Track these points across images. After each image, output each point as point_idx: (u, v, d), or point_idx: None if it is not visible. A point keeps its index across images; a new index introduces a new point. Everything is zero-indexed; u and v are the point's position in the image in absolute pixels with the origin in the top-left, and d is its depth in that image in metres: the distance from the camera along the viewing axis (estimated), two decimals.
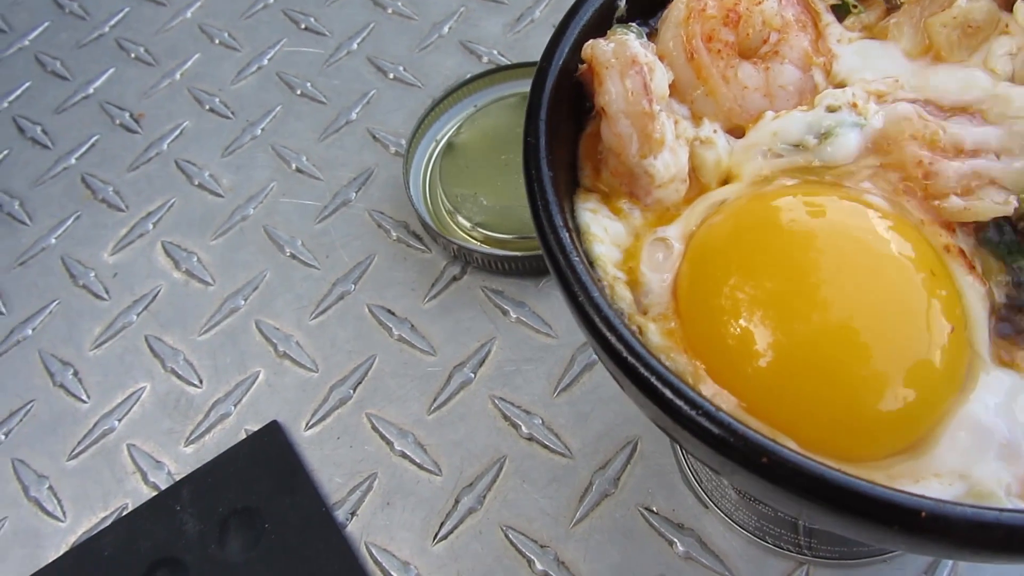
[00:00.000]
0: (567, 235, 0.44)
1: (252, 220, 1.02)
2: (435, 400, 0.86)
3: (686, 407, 0.39)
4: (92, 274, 1.01)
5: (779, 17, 0.55)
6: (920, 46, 0.57)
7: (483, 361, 0.87)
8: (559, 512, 0.79)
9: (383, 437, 0.85)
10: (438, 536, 0.79)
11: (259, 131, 1.10)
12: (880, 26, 0.58)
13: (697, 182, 0.52)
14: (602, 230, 0.49)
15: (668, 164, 0.49)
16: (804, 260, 0.45)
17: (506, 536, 0.78)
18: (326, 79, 1.14)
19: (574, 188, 0.52)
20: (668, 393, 0.39)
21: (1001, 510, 0.35)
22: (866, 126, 0.50)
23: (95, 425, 0.90)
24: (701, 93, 0.52)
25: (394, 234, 0.98)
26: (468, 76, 1.05)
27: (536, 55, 1.10)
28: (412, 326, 0.91)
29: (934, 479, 0.43)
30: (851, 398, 0.42)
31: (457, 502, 0.80)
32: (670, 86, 0.52)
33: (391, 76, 1.12)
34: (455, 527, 0.79)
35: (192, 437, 0.87)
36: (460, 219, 0.94)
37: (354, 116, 1.09)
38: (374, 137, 1.07)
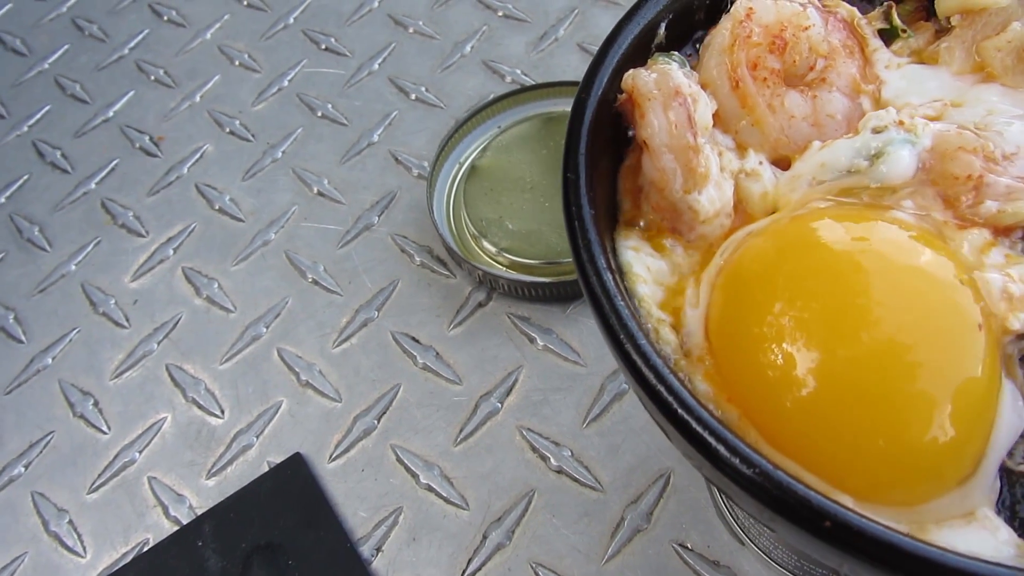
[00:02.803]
0: (611, 277, 0.42)
1: (273, 245, 1.00)
2: (461, 431, 0.84)
3: (742, 465, 0.37)
4: (112, 301, 0.99)
5: (826, 43, 0.52)
6: (972, 69, 0.54)
7: (510, 390, 0.85)
8: (590, 548, 0.76)
9: (408, 469, 0.82)
10: (466, 573, 0.76)
11: (280, 154, 1.08)
12: (930, 51, 0.56)
13: (743, 215, 0.50)
14: (645, 269, 0.47)
15: (713, 199, 0.46)
16: (841, 284, 0.42)
17: (536, 573, 0.75)
18: (347, 100, 1.12)
19: (614, 224, 0.50)
20: (722, 450, 0.37)
21: None
22: (917, 142, 0.47)
23: (116, 457, 0.88)
24: (746, 123, 0.50)
25: (418, 259, 0.96)
26: (491, 97, 1.03)
27: (560, 74, 1.09)
28: (437, 354, 0.89)
29: (975, 526, 0.40)
30: (903, 429, 0.40)
31: (485, 538, 0.78)
32: (714, 116, 0.50)
33: (413, 97, 1.11)
34: (483, 564, 0.77)
35: (214, 469, 0.86)
36: (485, 244, 0.92)
37: (376, 138, 1.08)
38: (396, 159, 1.05)
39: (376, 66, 1.15)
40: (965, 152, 0.47)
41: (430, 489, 0.81)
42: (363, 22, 1.21)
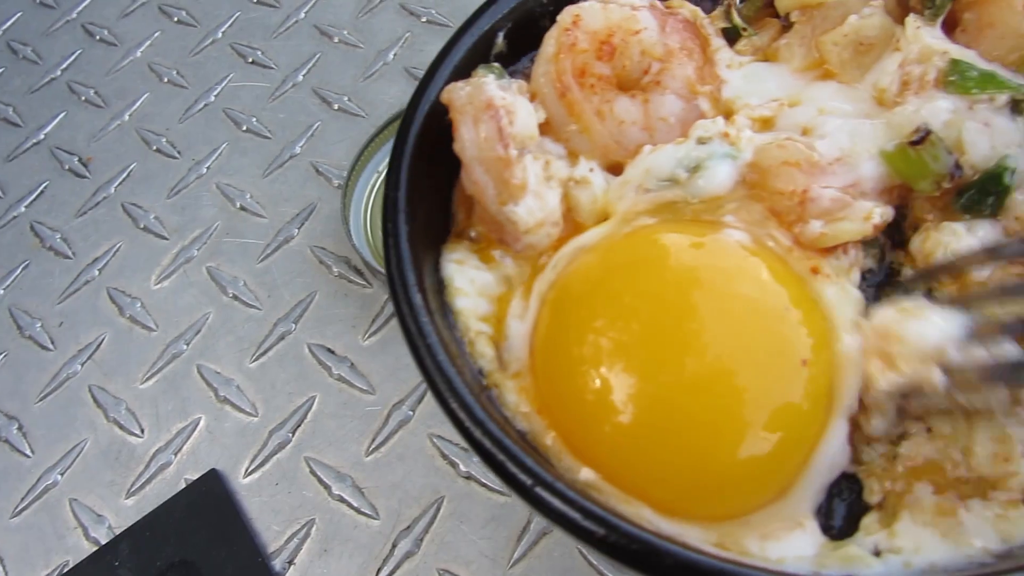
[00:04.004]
0: (418, 295, 0.42)
1: (196, 262, 1.01)
2: (373, 440, 0.84)
3: (524, 478, 0.37)
4: (39, 324, 1.00)
5: (661, 45, 0.52)
6: (810, 65, 0.54)
7: (421, 398, 0.86)
8: (497, 553, 0.76)
9: (321, 481, 0.83)
10: None
11: (204, 170, 1.09)
12: (772, 47, 0.56)
13: (572, 224, 0.50)
14: (467, 282, 0.47)
15: (532, 210, 0.47)
16: (664, 309, 0.43)
17: None
18: (271, 113, 1.13)
19: (446, 236, 0.50)
20: (509, 464, 0.37)
21: None
22: (738, 157, 0.47)
23: (38, 480, 0.89)
24: (575, 131, 0.50)
25: (335, 270, 0.96)
26: None
27: None
28: (352, 364, 0.89)
29: (798, 529, 0.40)
30: (710, 454, 0.40)
31: (394, 546, 0.78)
32: (543, 125, 0.50)
33: (336, 107, 1.11)
34: (392, 573, 0.77)
35: (133, 489, 0.86)
36: None
37: (298, 150, 1.08)
38: (317, 171, 1.05)
39: (300, 77, 1.15)
40: (789, 166, 0.46)
41: (342, 500, 0.81)
42: (290, 34, 1.21)
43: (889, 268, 0.50)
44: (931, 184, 0.47)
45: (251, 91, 1.16)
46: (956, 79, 0.48)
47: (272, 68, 1.18)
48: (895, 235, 0.50)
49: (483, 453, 0.37)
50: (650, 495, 0.40)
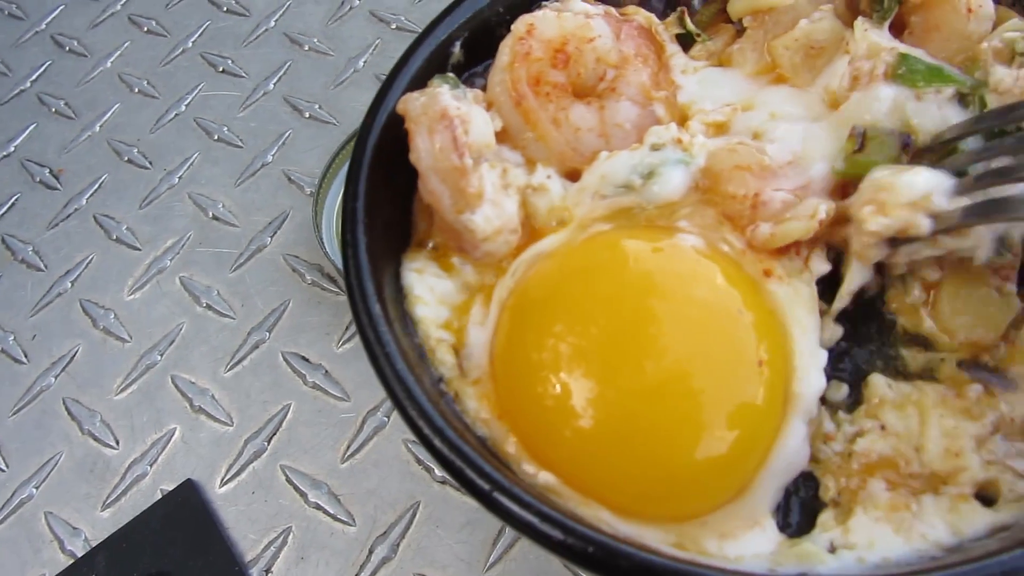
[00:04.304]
0: (376, 304, 0.42)
1: (168, 272, 1.01)
2: (349, 447, 0.85)
3: (482, 483, 0.37)
4: (12, 338, 1.00)
5: (616, 52, 0.53)
6: (763, 70, 0.55)
7: None
8: (473, 557, 0.77)
9: (297, 489, 0.83)
10: None
11: (176, 180, 1.09)
12: (727, 53, 0.57)
13: (531, 231, 0.50)
14: (427, 290, 0.47)
15: (489, 218, 0.47)
16: (621, 315, 0.43)
17: None
18: (243, 122, 1.13)
19: (406, 244, 0.51)
20: (469, 472, 0.38)
21: None
22: (691, 163, 0.48)
23: (13, 494, 0.89)
24: (532, 138, 0.51)
25: (308, 278, 0.97)
26: None
27: None
28: (326, 372, 0.90)
29: (756, 528, 0.41)
30: (668, 457, 0.41)
31: (371, 552, 0.79)
32: (500, 133, 0.51)
33: (307, 115, 1.11)
34: None
35: (109, 501, 0.86)
36: None
37: (270, 158, 1.08)
38: (289, 179, 1.05)
39: (271, 86, 1.16)
40: (741, 170, 0.47)
41: (318, 507, 0.82)
42: (260, 42, 1.21)
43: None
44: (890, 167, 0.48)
45: (222, 100, 1.16)
46: (904, 72, 0.49)
47: (243, 77, 1.18)
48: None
49: (442, 460, 0.38)
50: (609, 498, 0.41)
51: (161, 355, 0.94)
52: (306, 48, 1.19)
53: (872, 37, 0.51)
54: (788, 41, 0.53)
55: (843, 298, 0.48)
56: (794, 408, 0.43)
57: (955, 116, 0.49)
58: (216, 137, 1.12)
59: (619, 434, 0.41)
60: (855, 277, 0.47)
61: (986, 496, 0.47)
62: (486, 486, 0.37)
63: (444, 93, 0.48)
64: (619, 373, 0.42)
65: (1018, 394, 0.47)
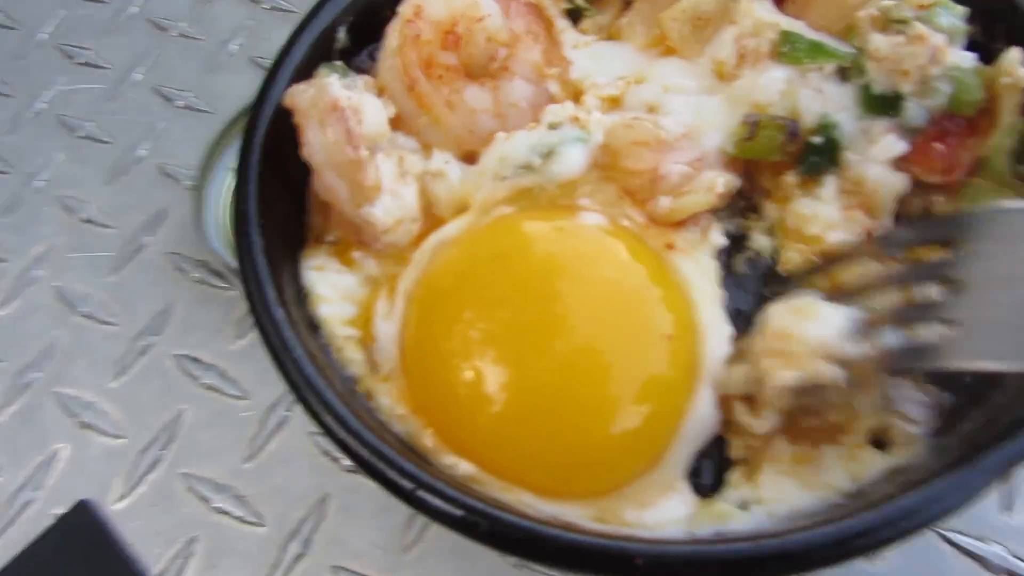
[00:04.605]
0: (280, 310, 0.41)
1: (41, 283, 0.95)
2: (251, 447, 0.82)
3: (418, 491, 0.37)
4: None
5: (506, 31, 0.53)
6: (653, 42, 0.56)
7: None
8: (389, 542, 0.76)
9: (199, 496, 0.80)
10: None
11: (41, 183, 1.02)
12: (616, 26, 0.57)
13: (432, 218, 0.50)
14: (329, 288, 0.46)
15: (390, 209, 0.46)
16: (527, 297, 0.43)
17: None
18: (110, 116, 1.07)
19: (303, 242, 0.49)
20: (390, 473, 0.37)
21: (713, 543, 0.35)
22: (589, 140, 0.48)
23: None
24: (427, 123, 0.50)
25: (194, 275, 0.93)
26: None
27: None
28: (221, 371, 0.86)
29: (672, 493, 0.42)
30: (581, 434, 0.41)
31: (285, 551, 0.77)
32: (393, 119, 0.49)
33: (180, 104, 1.06)
34: None
35: None
36: None
37: (143, 153, 1.03)
38: (165, 173, 1.01)
39: (139, 76, 1.10)
40: (638, 146, 0.48)
41: (223, 512, 0.79)
42: (122, 30, 1.15)
43: (742, 234, 0.52)
44: (779, 154, 0.50)
45: (85, 94, 1.09)
46: (787, 50, 0.51)
47: (106, 68, 1.11)
48: (745, 202, 0.53)
49: (362, 463, 0.37)
50: (528, 480, 0.41)
51: (40, 372, 0.89)
52: (173, 33, 1.13)
53: (756, 10, 0.52)
54: (676, 13, 0.54)
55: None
56: (702, 377, 0.45)
57: (835, 93, 0.51)
58: (82, 134, 1.05)
59: (533, 416, 0.41)
60: (764, 424, 0.46)
61: (880, 440, 0.49)
62: (409, 485, 0.37)
63: (333, 83, 0.46)
64: (528, 356, 0.42)
65: None
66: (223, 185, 0.96)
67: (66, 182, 1.02)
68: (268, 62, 1.04)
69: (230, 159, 0.97)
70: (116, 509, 0.80)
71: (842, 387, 0.45)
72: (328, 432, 0.38)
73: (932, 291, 0.46)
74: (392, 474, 0.37)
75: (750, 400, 0.46)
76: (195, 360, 0.87)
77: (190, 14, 1.14)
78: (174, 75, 1.09)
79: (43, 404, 0.86)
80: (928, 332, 0.44)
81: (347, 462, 0.78)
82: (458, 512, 0.36)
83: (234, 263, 0.85)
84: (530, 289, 0.43)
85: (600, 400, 0.42)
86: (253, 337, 0.88)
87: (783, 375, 0.44)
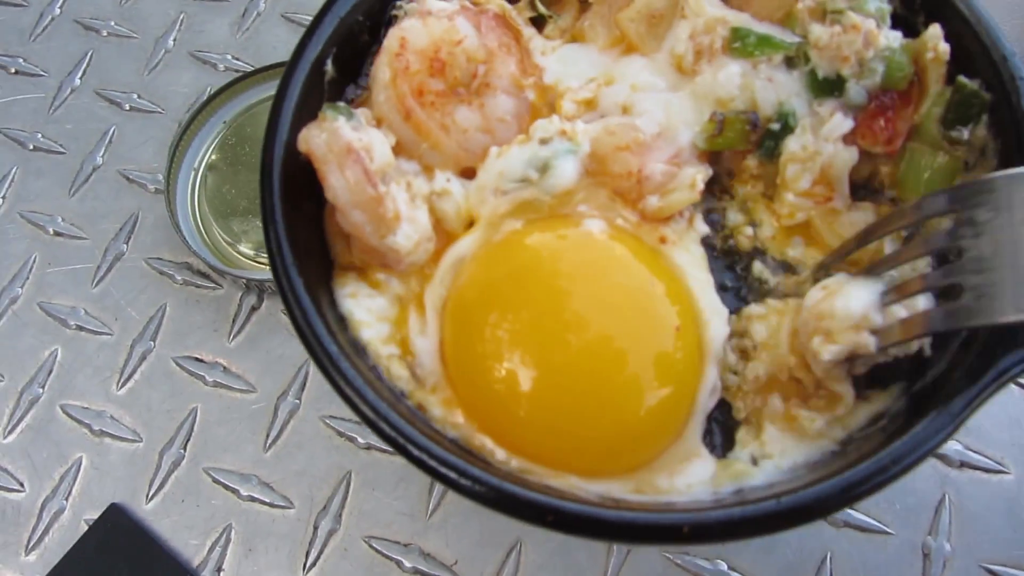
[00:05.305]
0: (333, 345, 0.46)
1: (23, 301, 0.97)
2: (268, 436, 0.87)
3: (465, 481, 0.43)
4: None
5: (482, 48, 0.57)
6: (614, 42, 0.60)
7: (304, 384, 0.89)
8: (413, 509, 0.83)
9: (227, 487, 0.86)
10: (307, 567, 0.82)
11: (0, 200, 1.02)
12: (578, 28, 0.62)
13: (444, 234, 0.55)
14: (365, 312, 0.51)
15: (409, 235, 0.51)
16: (547, 301, 0.49)
17: (370, 546, 0.82)
18: (57, 125, 1.06)
19: (330, 269, 0.54)
20: (442, 468, 0.44)
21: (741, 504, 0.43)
22: (578, 151, 0.54)
23: None
24: (426, 148, 0.55)
25: (179, 278, 0.96)
26: (209, 91, 1.01)
27: (271, 52, 1.08)
28: (224, 368, 0.91)
29: (695, 459, 0.50)
30: (613, 416, 0.48)
31: (316, 528, 0.83)
32: (394, 148, 0.54)
33: (127, 107, 1.06)
34: (320, 553, 0.82)
35: (31, 544, 0.85)
36: (242, 248, 0.93)
37: (100, 160, 1.03)
38: (128, 178, 1.02)
39: (78, 81, 1.09)
40: (621, 151, 0.53)
41: (253, 500, 0.85)
42: (49, 33, 1.13)
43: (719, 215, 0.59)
44: (744, 144, 0.56)
45: (25, 105, 1.08)
46: (739, 45, 0.56)
47: (42, 75, 1.10)
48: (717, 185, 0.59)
49: (439, 476, 0.43)
50: (574, 464, 0.48)
51: (42, 387, 0.92)
52: (104, 33, 1.12)
53: (704, 5, 0.57)
54: (632, 14, 0.59)
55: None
56: (708, 355, 0.52)
57: (784, 80, 0.57)
58: (31, 147, 1.05)
59: (571, 409, 0.48)
60: (845, 395, 0.52)
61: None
62: (473, 486, 0.43)
63: (343, 126, 0.50)
64: (558, 356, 0.48)
65: None
66: (188, 185, 0.98)
67: (27, 197, 1.02)
68: (208, 55, 1.07)
69: (192, 159, 0.99)
70: (147, 509, 0.85)
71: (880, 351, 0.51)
72: (406, 453, 0.44)
73: (948, 260, 0.50)
74: (465, 481, 0.43)
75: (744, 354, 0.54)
76: (197, 360, 0.91)
77: (117, 12, 1.13)
78: (114, 77, 1.09)
79: (54, 418, 0.90)
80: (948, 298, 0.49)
81: (363, 440, 0.84)
82: (528, 509, 0.43)
83: (216, 262, 0.89)
84: (551, 298, 0.49)
85: (626, 389, 0.48)
86: (249, 332, 0.92)
87: (829, 349, 0.51)
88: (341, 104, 0.54)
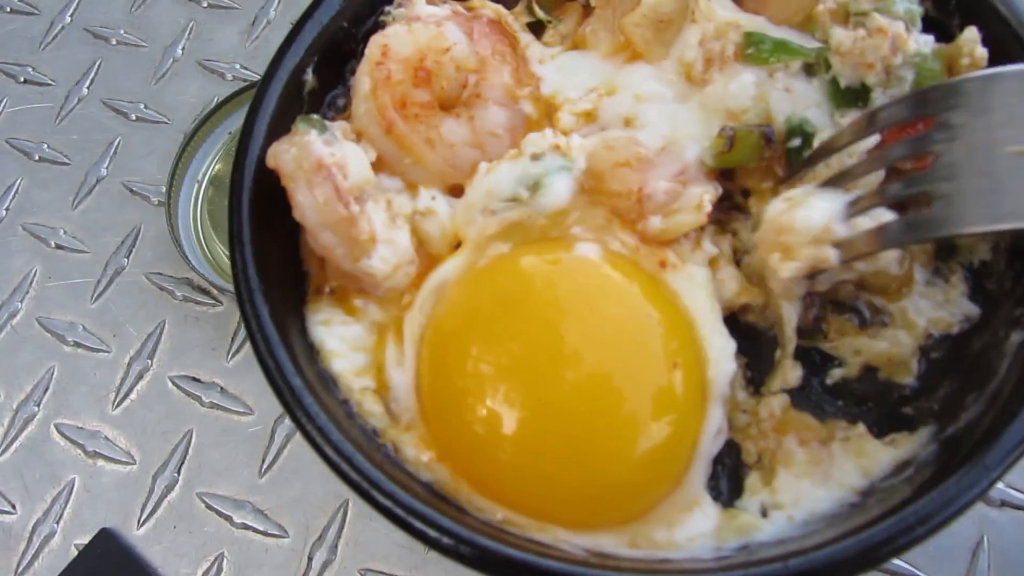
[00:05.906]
0: (297, 379, 0.42)
1: (23, 315, 0.94)
2: (264, 461, 0.84)
3: (438, 536, 0.39)
4: None
5: (473, 57, 0.53)
6: (618, 48, 0.56)
7: None
8: (412, 541, 0.77)
9: (220, 514, 0.82)
10: None
11: (3, 212, 1.01)
12: (580, 34, 0.57)
13: (427, 257, 0.51)
14: (338, 341, 0.47)
15: (386, 258, 0.47)
16: (535, 335, 0.45)
17: None
18: (63, 135, 1.04)
19: (304, 293, 0.50)
20: (408, 517, 0.39)
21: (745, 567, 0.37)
22: (573, 167, 0.49)
23: None
24: (410, 163, 0.50)
25: (179, 294, 0.93)
26: (216, 101, 0.98)
27: None
28: (222, 389, 0.88)
29: (696, 509, 0.45)
30: (605, 466, 0.44)
31: (311, 559, 0.80)
32: (376, 162, 0.50)
33: (133, 117, 1.04)
34: None
35: (20, 569, 0.83)
36: None
37: (104, 171, 1.01)
38: (131, 191, 0.99)
39: (85, 90, 1.07)
40: (620, 167, 0.49)
41: (246, 527, 0.81)
42: (59, 43, 1.11)
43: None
44: (757, 161, 0.51)
45: (33, 114, 1.07)
46: (753, 51, 0.51)
47: (50, 84, 1.08)
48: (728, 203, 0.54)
49: (406, 527, 0.39)
50: (560, 515, 0.43)
51: (38, 405, 0.89)
52: (113, 42, 1.10)
53: (716, 9, 0.52)
54: (637, 18, 0.54)
55: (791, 339, 0.50)
56: (712, 395, 0.47)
57: (804, 90, 0.51)
58: (37, 157, 1.03)
59: (555, 453, 0.43)
60: (790, 315, 0.49)
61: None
62: (468, 552, 0.39)
63: (314, 140, 0.46)
64: (543, 396, 0.44)
65: None
66: (191, 199, 0.96)
67: (30, 209, 1.00)
68: (217, 64, 1.04)
69: (196, 172, 0.96)
70: (138, 535, 0.82)
71: (843, 266, 0.47)
72: (368, 498, 0.40)
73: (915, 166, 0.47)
74: (435, 534, 0.39)
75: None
76: (195, 380, 0.88)
77: (127, 20, 1.11)
78: (122, 86, 1.07)
79: (48, 437, 0.87)
80: (915, 207, 0.46)
81: None
82: (502, 567, 0.38)
83: (217, 279, 0.86)
84: (537, 330, 0.45)
85: (618, 432, 0.44)
86: (248, 352, 0.89)
87: (787, 266, 0.47)
88: (315, 117, 0.50)
